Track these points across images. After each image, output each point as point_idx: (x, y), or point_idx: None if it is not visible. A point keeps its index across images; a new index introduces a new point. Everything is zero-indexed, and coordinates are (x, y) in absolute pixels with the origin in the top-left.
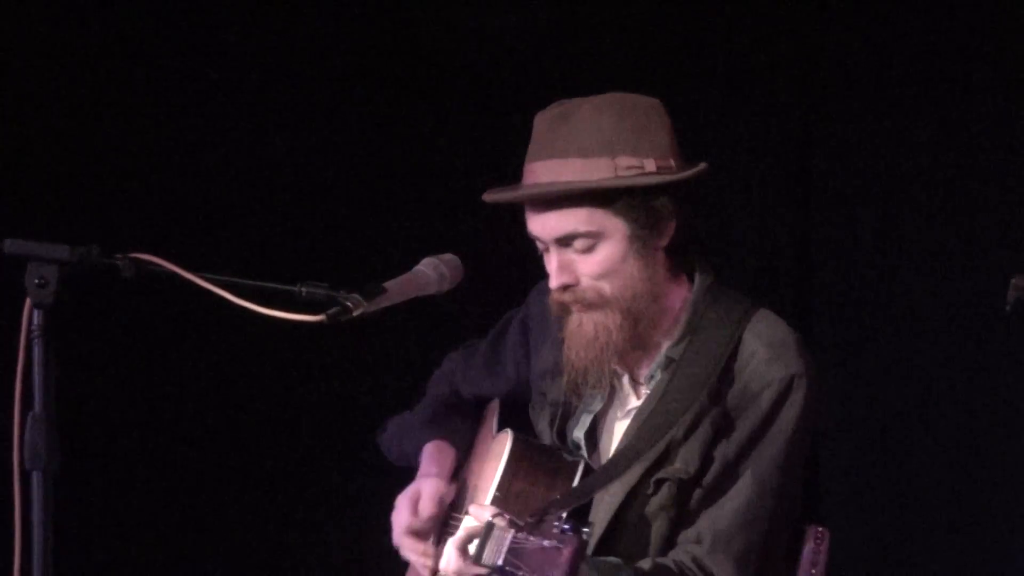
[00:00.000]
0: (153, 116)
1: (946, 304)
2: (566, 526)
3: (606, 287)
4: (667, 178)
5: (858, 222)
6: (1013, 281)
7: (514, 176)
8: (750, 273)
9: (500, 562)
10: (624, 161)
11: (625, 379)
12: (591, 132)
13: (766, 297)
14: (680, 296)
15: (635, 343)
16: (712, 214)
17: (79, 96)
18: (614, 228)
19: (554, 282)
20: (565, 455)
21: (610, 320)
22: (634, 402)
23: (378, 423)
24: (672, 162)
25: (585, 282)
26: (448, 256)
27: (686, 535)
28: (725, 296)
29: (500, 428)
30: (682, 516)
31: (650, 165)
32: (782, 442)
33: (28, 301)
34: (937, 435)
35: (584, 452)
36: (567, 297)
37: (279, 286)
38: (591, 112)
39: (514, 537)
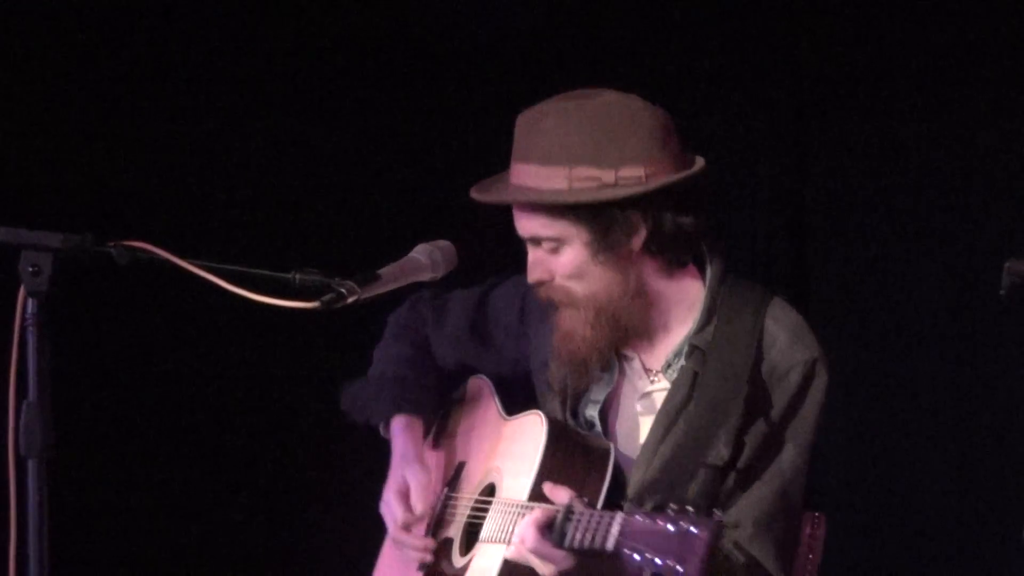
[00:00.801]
0: (147, 104)
1: (941, 289)
2: (696, 516)
3: (576, 288)
4: (620, 193)
5: (853, 209)
6: (1007, 266)
7: (504, 166)
8: (746, 265)
9: (611, 546)
10: (581, 172)
11: (636, 363)
12: (554, 139)
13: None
14: (688, 287)
15: (633, 334)
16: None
17: (71, 85)
18: (573, 235)
19: (530, 277)
20: (595, 439)
21: (581, 318)
22: (648, 386)
23: None
24: (643, 171)
25: (557, 280)
26: (442, 242)
27: (728, 519)
28: (739, 283)
29: (507, 409)
30: (715, 502)
31: (609, 177)
32: (811, 423)
33: (22, 289)
34: (933, 420)
35: (599, 430)
36: (542, 293)
37: (273, 273)
38: (559, 118)
39: (624, 521)
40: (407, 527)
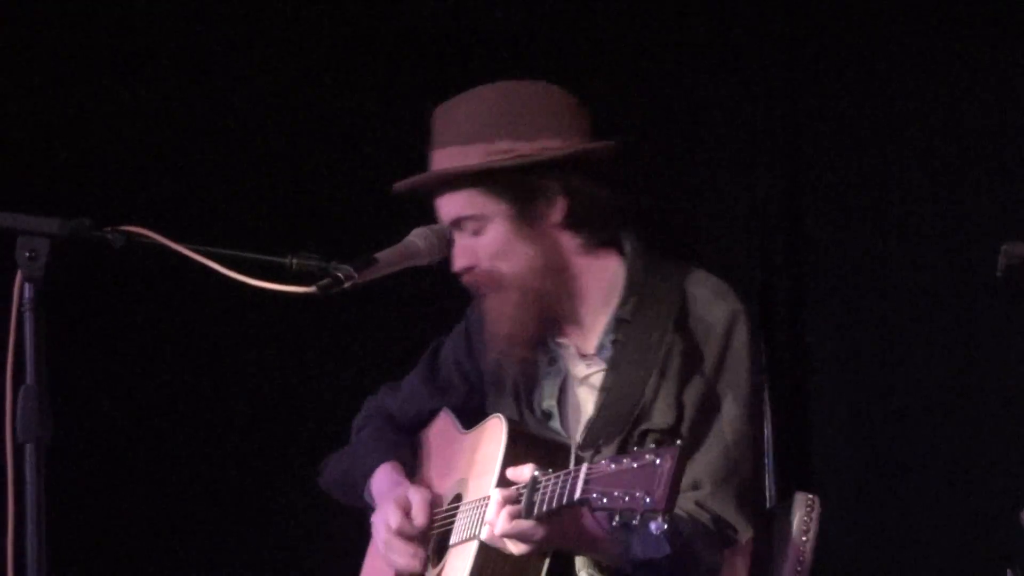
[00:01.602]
0: (144, 89)
1: (938, 272)
2: (652, 445)
3: (502, 267)
4: (537, 158)
5: (849, 192)
6: (1004, 248)
7: None
8: (742, 251)
9: (578, 495)
10: (499, 145)
11: (572, 350)
12: (469, 120)
13: (759, 276)
14: (609, 266)
15: (560, 315)
16: (703, 193)
17: (69, 69)
18: (495, 210)
19: (456, 265)
20: (555, 434)
21: (509, 300)
22: (585, 371)
23: (373, 392)
24: (560, 141)
25: (483, 263)
26: (438, 226)
27: (684, 483)
28: (661, 258)
29: (465, 425)
30: None
31: (524, 148)
32: (743, 373)
33: (19, 274)
34: (929, 404)
35: (557, 421)
36: (469, 279)
37: (270, 258)
38: (473, 101)
39: (589, 469)
40: (403, 534)
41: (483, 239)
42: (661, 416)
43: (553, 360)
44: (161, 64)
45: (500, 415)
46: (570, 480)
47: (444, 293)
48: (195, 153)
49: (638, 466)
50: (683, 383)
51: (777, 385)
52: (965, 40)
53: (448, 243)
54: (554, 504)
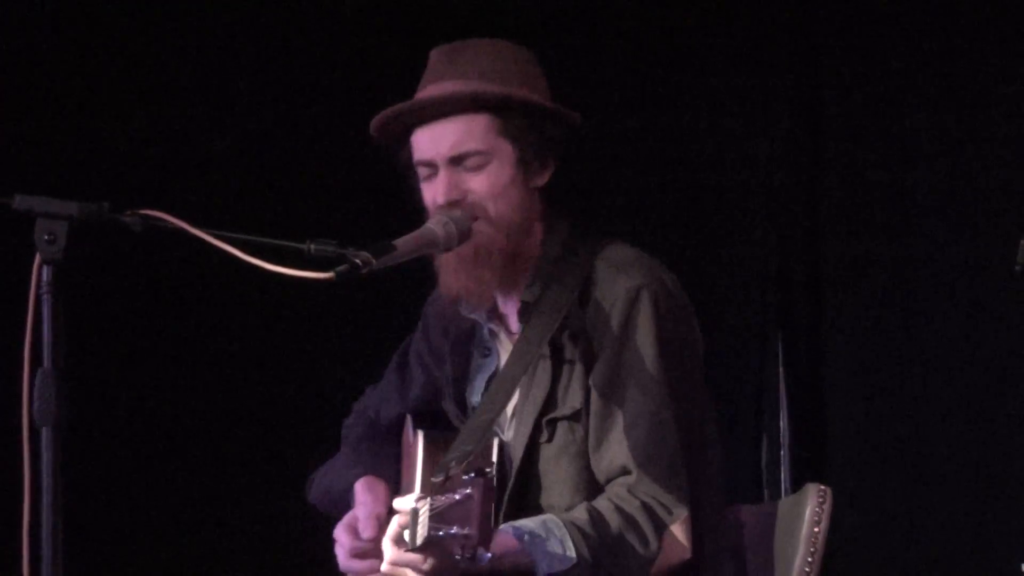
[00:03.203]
0: (164, 73)
1: (956, 264)
2: (470, 474)
3: (490, 207)
4: (559, 107)
5: (868, 184)
6: (1023, 243)
7: None
8: (756, 239)
9: (426, 532)
10: (519, 92)
11: (503, 336)
12: (487, 60)
13: (774, 260)
14: (536, 242)
15: (507, 279)
16: (721, 184)
17: (90, 56)
18: (504, 151)
19: (441, 198)
20: (457, 461)
21: (491, 238)
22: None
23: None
24: (560, 106)
25: (471, 199)
26: (456, 212)
27: (612, 471)
28: (580, 238)
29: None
30: (583, 452)
31: (540, 100)
32: (650, 351)
33: (37, 257)
34: (945, 397)
35: None
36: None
37: (288, 243)
38: (486, 45)
39: (431, 504)
40: (357, 554)
41: (481, 176)
42: (569, 402)
43: (487, 351)
44: (181, 48)
45: (419, 429)
46: (419, 516)
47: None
48: (214, 138)
49: (459, 499)
50: (588, 364)
51: (793, 377)
52: (987, 35)
53: (466, 231)
54: (418, 538)
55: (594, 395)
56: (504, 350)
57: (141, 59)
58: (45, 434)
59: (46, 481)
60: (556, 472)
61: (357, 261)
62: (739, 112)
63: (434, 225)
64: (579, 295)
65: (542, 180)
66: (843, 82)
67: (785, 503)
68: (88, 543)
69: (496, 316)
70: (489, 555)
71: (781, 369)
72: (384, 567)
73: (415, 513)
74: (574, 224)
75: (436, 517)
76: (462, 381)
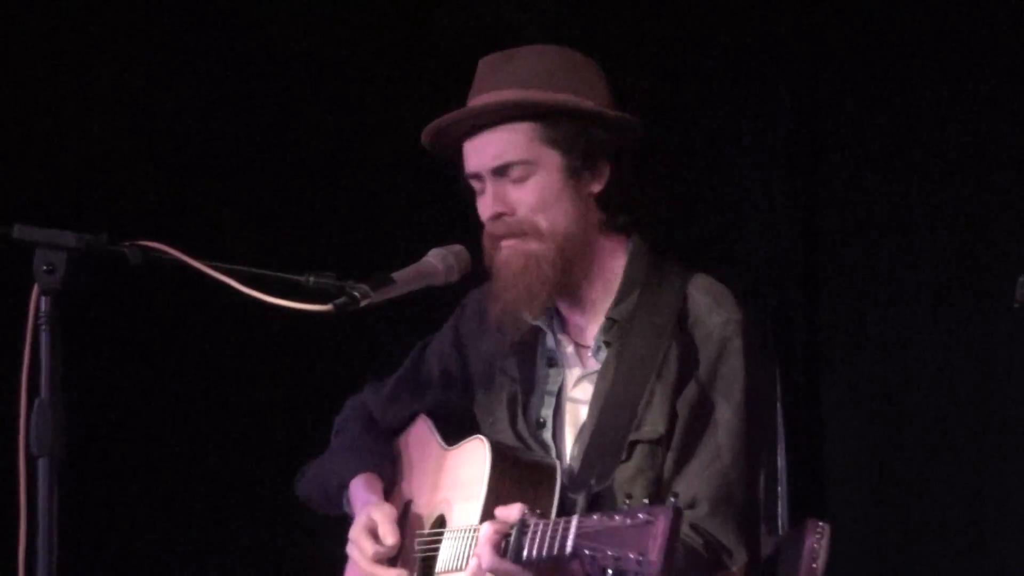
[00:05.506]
0: (161, 104)
1: (955, 301)
2: (645, 502)
3: (540, 219)
4: (603, 113)
5: (867, 219)
6: (1022, 279)
7: None
8: (758, 261)
9: (569, 549)
10: (562, 96)
11: (571, 349)
12: (532, 67)
13: (774, 292)
14: (617, 257)
15: (570, 291)
16: (717, 198)
17: (88, 85)
18: (549, 159)
19: (487, 212)
20: (542, 455)
21: (542, 250)
22: (580, 372)
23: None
24: (615, 111)
25: (520, 212)
26: (456, 247)
27: (681, 501)
28: (663, 260)
29: (448, 440)
30: (659, 478)
31: (587, 103)
32: (738, 383)
33: (35, 287)
34: (943, 431)
35: (550, 431)
36: (499, 228)
37: (287, 276)
38: (533, 53)
39: (579, 523)
40: (380, 560)
41: (527, 186)
42: (652, 426)
43: (552, 362)
44: (181, 80)
45: (482, 436)
46: (560, 531)
47: (454, 299)
48: (215, 170)
49: (631, 524)
50: (677, 391)
51: (791, 410)
52: (985, 62)
53: (465, 264)
54: (543, 553)
55: (681, 420)
56: (571, 361)
57: (139, 90)
58: (42, 464)
59: (42, 510)
60: (630, 494)
61: (355, 294)
62: (740, 147)
63: (433, 258)
64: (675, 321)
65: (597, 186)
66: (842, 110)
67: (783, 539)
68: (84, 573)
69: (565, 328)
70: None
71: (779, 404)
72: (473, 568)
73: (524, 526)
74: (654, 244)
75: (586, 536)
76: (527, 392)
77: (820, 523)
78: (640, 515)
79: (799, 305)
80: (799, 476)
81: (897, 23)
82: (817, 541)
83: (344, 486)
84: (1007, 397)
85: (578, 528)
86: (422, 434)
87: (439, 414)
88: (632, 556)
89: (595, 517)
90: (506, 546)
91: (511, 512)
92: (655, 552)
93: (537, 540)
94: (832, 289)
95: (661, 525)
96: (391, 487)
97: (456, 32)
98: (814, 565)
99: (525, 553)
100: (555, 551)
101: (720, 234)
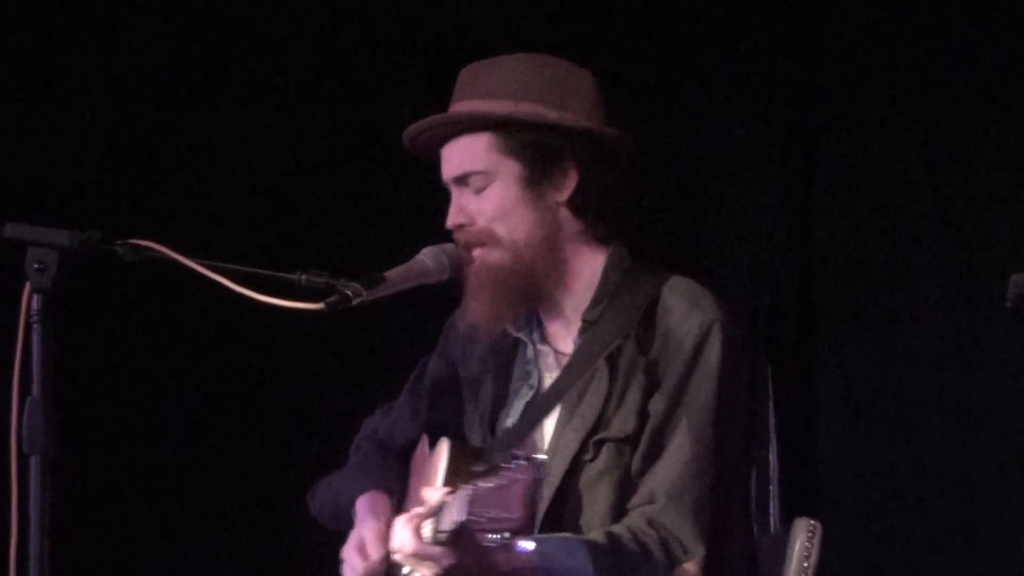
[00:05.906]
0: (154, 102)
1: (947, 301)
2: (517, 461)
3: (499, 228)
4: (560, 122)
5: (860, 218)
6: (1014, 278)
7: None
8: (751, 259)
9: (462, 518)
10: (526, 107)
11: (551, 358)
12: (498, 78)
13: (766, 292)
14: (595, 263)
15: (547, 299)
16: (710, 204)
17: (80, 82)
18: (506, 168)
19: (449, 221)
20: (499, 457)
21: (503, 259)
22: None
23: (378, 406)
24: (583, 120)
25: (480, 222)
26: (449, 245)
27: (639, 497)
28: (641, 265)
29: (432, 447)
30: (626, 478)
31: (552, 115)
32: (711, 388)
33: (27, 286)
34: (935, 431)
35: (522, 438)
36: (462, 237)
37: (279, 274)
38: (502, 63)
39: (472, 491)
40: (368, 575)
41: (486, 197)
42: (620, 425)
43: (527, 373)
44: (174, 78)
45: (445, 438)
46: (456, 501)
47: (448, 298)
48: (207, 168)
49: (504, 483)
50: (648, 394)
51: (783, 409)
52: (982, 63)
53: (457, 263)
54: (446, 526)
55: (651, 421)
56: (549, 371)
57: (131, 88)
58: (33, 463)
59: (34, 510)
60: (595, 493)
61: (348, 292)
62: (733, 153)
63: (425, 256)
64: (643, 320)
65: (563, 195)
66: (836, 118)
67: (774, 537)
68: (75, 573)
69: (545, 337)
70: (526, 548)
71: (771, 403)
72: (399, 553)
73: (442, 506)
74: (633, 250)
75: (474, 502)
76: (498, 404)
77: (812, 522)
78: (507, 474)
79: (792, 303)
80: (791, 474)
81: (896, 23)
82: (809, 540)
83: (352, 503)
84: (999, 395)
85: (471, 494)
86: (420, 449)
87: (439, 431)
88: (504, 515)
89: (481, 484)
90: (428, 528)
91: (434, 494)
92: (515, 506)
93: (448, 517)
94: (825, 287)
95: (520, 479)
96: (403, 504)
97: (451, 31)
98: (806, 564)
99: (442, 527)
100: (454, 522)
101: (714, 232)
